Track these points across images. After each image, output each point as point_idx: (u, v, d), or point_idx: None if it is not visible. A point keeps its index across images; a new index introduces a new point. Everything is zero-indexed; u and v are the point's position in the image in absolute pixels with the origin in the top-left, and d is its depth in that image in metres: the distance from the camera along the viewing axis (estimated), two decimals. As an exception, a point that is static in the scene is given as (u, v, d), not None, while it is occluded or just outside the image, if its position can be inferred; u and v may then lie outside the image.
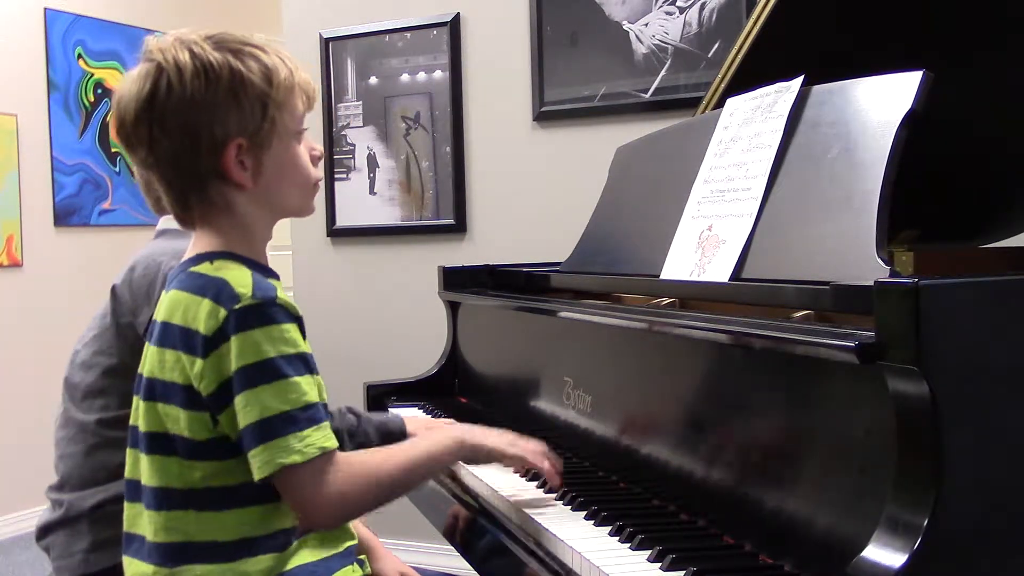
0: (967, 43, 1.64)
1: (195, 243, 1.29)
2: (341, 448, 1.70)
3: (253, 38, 1.27)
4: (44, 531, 1.75)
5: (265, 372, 1.17)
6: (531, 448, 1.45)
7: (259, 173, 1.25)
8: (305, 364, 1.21)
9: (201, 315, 1.19)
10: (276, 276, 1.29)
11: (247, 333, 1.17)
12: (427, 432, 1.42)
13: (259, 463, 1.16)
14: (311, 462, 1.17)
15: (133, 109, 1.21)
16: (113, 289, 1.77)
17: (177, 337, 1.21)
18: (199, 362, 1.18)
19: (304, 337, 1.23)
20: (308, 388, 1.19)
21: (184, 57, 1.20)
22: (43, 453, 1.83)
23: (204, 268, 1.24)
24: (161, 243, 1.80)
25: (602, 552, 1.21)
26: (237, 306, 1.18)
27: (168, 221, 1.85)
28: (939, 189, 1.73)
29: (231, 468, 1.20)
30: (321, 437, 1.19)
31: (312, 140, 1.34)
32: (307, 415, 1.18)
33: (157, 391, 1.23)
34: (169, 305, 1.24)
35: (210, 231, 1.27)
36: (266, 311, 1.19)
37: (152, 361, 1.25)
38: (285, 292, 1.25)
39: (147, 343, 1.29)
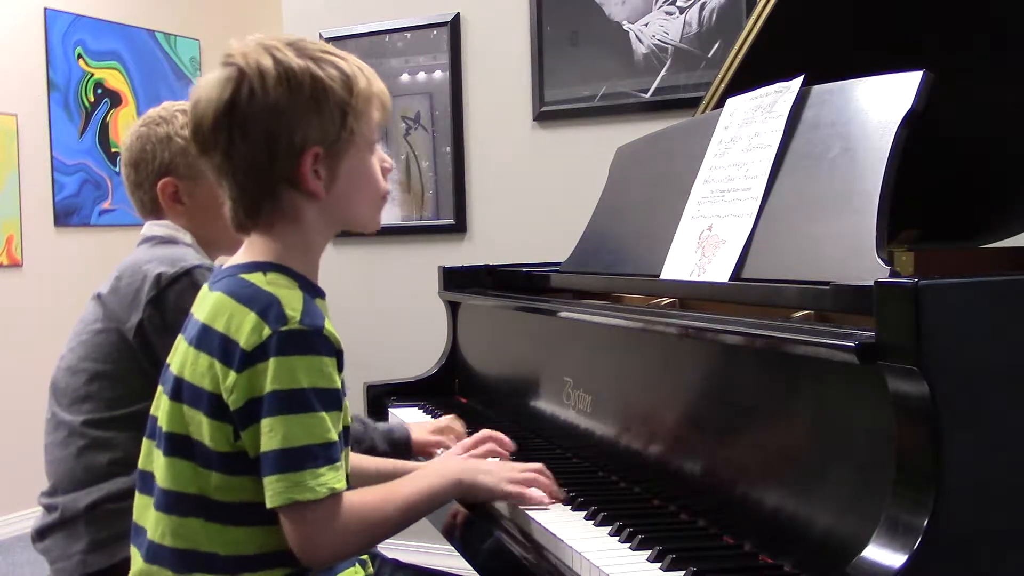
0: (967, 42, 1.64)
1: (250, 246, 1.27)
2: None
3: (330, 47, 1.26)
4: (41, 534, 1.75)
5: (296, 402, 1.16)
6: (528, 478, 1.43)
7: (332, 183, 1.23)
8: (334, 401, 1.19)
9: (245, 327, 1.17)
10: (323, 294, 1.27)
11: (287, 358, 1.16)
12: (427, 468, 1.41)
13: (272, 492, 1.16)
14: (320, 502, 1.16)
15: (212, 113, 1.19)
16: (100, 297, 1.77)
17: (215, 343, 1.19)
18: (232, 375, 1.17)
19: (341, 370, 1.22)
20: (333, 425, 1.18)
21: (267, 62, 1.19)
22: (43, 453, 1.82)
23: (256, 279, 1.21)
24: (145, 251, 1.79)
25: (602, 552, 1.21)
26: (283, 328, 1.16)
27: (152, 227, 1.84)
28: (939, 189, 1.73)
29: (246, 484, 1.19)
30: (334, 478, 1.17)
31: (383, 152, 1.32)
32: (327, 453, 1.17)
33: (184, 392, 1.21)
34: (213, 307, 1.21)
35: (269, 238, 1.25)
36: (310, 340, 1.18)
37: (183, 360, 1.23)
38: (329, 315, 1.25)
39: (181, 336, 1.28)
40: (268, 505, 1.16)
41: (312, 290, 1.25)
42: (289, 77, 1.19)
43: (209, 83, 1.21)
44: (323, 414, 1.17)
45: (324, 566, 1.25)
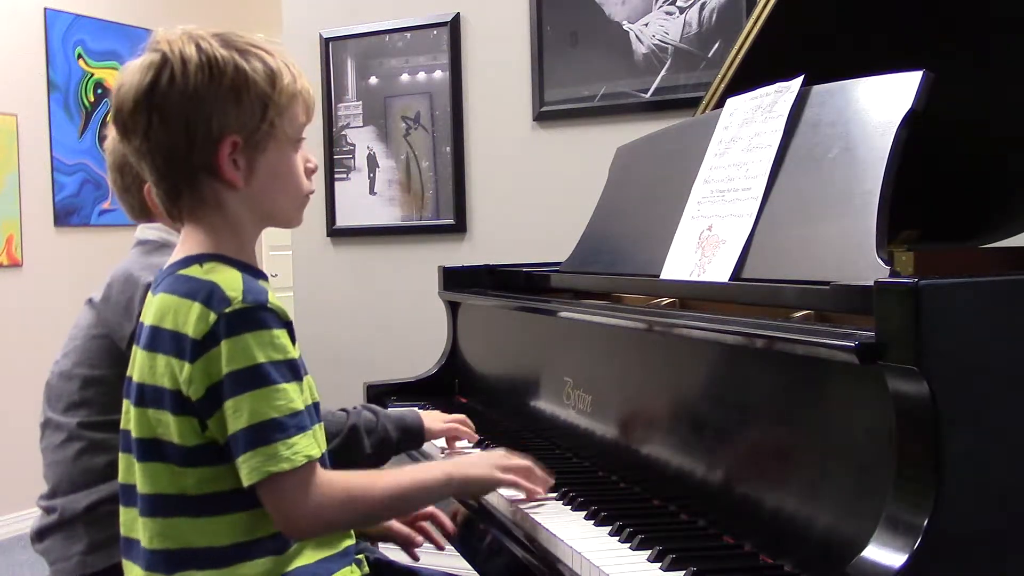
0: (967, 43, 1.64)
1: (183, 243, 1.28)
2: (360, 445, 1.70)
3: (259, 41, 1.27)
4: (40, 535, 1.75)
5: (255, 378, 1.16)
6: (520, 468, 1.44)
7: (251, 175, 1.24)
8: (293, 371, 1.20)
9: (191, 319, 1.18)
10: (265, 277, 1.28)
11: (237, 337, 1.17)
12: (419, 464, 1.41)
13: (247, 469, 1.16)
14: (297, 471, 1.17)
15: (132, 97, 1.21)
16: (93, 303, 1.77)
17: (167, 341, 1.20)
18: (187, 366, 1.17)
19: (294, 342, 1.23)
20: (295, 395, 1.19)
21: (190, 50, 1.20)
22: (41, 456, 1.82)
23: (194, 271, 1.23)
24: (137, 257, 1.78)
25: (602, 552, 1.21)
26: (227, 310, 1.17)
27: (145, 231, 1.83)
28: (939, 189, 1.73)
29: (223, 474, 1.20)
30: (308, 445, 1.18)
31: (309, 152, 1.33)
32: (295, 422, 1.18)
33: (147, 396, 1.22)
34: (158, 309, 1.23)
35: (199, 229, 1.26)
36: (257, 315, 1.18)
37: (142, 366, 1.24)
38: (279, 294, 1.25)
39: (135, 347, 1.28)
40: (245, 483, 1.17)
41: (253, 273, 1.25)
42: (211, 65, 1.20)
43: (132, 68, 1.23)
44: (284, 385, 1.18)
45: (311, 536, 1.25)
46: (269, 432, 1.16)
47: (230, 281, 1.20)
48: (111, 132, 1.81)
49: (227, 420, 1.17)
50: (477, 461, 1.46)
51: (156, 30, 1.24)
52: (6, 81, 4.54)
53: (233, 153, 1.22)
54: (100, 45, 4.97)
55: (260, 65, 1.23)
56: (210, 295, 1.19)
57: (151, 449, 1.22)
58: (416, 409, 1.92)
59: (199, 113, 1.20)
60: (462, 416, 1.90)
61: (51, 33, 4.73)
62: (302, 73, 1.28)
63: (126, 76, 1.23)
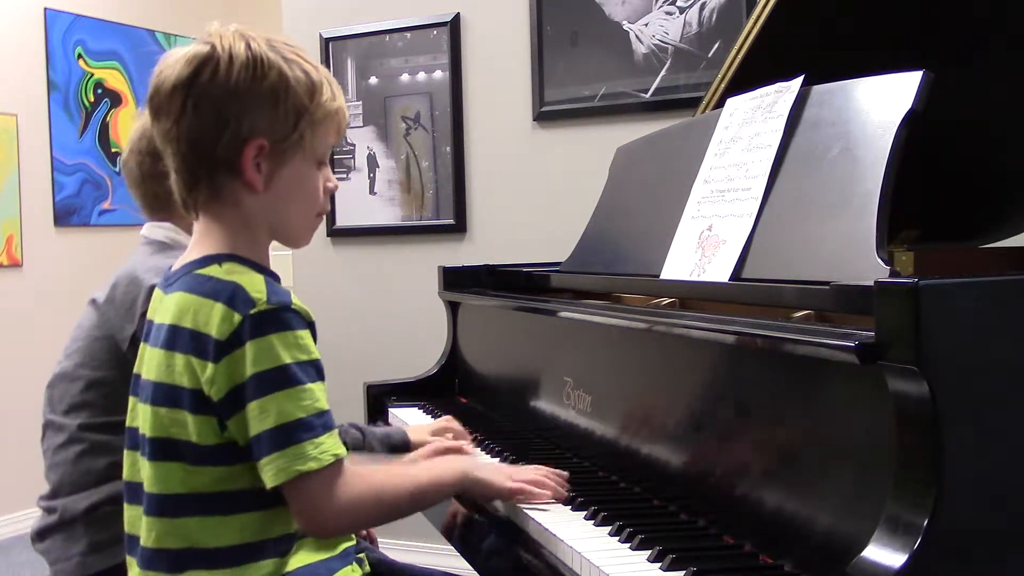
0: (967, 43, 1.64)
1: (198, 241, 1.28)
2: None
3: (305, 53, 1.27)
4: (40, 535, 1.75)
5: (281, 378, 1.16)
6: (532, 479, 1.44)
7: (271, 181, 1.24)
8: (317, 371, 1.21)
9: (214, 319, 1.18)
10: (278, 279, 1.28)
11: (263, 339, 1.17)
12: (434, 460, 1.42)
13: (274, 470, 1.16)
14: (325, 469, 1.17)
15: (173, 80, 1.21)
16: (96, 304, 1.77)
17: (187, 341, 1.20)
18: (210, 366, 1.17)
19: (315, 342, 1.23)
20: (320, 395, 1.19)
21: (239, 47, 1.21)
22: (42, 457, 1.82)
23: (213, 271, 1.22)
24: (143, 257, 1.78)
25: (602, 552, 1.21)
26: (253, 311, 1.17)
27: (153, 229, 1.82)
28: (939, 189, 1.73)
29: (237, 473, 1.20)
30: (334, 444, 1.19)
31: (331, 174, 1.33)
32: (322, 421, 1.18)
33: (163, 395, 1.22)
34: (177, 307, 1.22)
35: (215, 226, 1.26)
36: (282, 317, 1.19)
37: (157, 365, 1.23)
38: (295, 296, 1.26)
39: (145, 344, 1.28)
40: (269, 485, 1.17)
41: (270, 275, 1.25)
42: (256, 65, 1.21)
43: (178, 54, 1.23)
44: (310, 385, 1.18)
45: (334, 535, 1.26)
46: (296, 432, 1.16)
47: (253, 282, 1.20)
48: (142, 120, 1.77)
49: (250, 421, 1.17)
50: (490, 466, 1.47)
51: (211, 23, 1.25)
52: (6, 81, 4.55)
53: (258, 156, 1.22)
54: (100, 45, 4.97)
55: (303, 76, 1.23)
56: (233, 296, 1.19)
57: (164, 448, 1.22)
58: (402, 428, 1.92)
59: (234, 109, 1.20)
60: (446, 418, 1.91)
61: (51, 33, 4.73)
62: (341, 93, 1.29)
63: (169, 60, 1.23)
